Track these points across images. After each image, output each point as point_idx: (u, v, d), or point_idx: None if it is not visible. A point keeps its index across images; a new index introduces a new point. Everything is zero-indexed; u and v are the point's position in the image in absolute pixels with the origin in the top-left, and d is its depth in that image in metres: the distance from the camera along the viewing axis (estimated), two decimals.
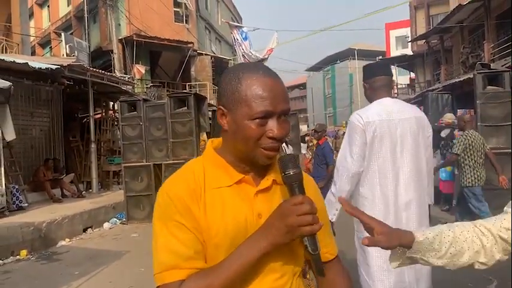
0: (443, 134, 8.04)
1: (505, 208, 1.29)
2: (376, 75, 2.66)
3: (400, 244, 1.12)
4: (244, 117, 1.02)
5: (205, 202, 1.04)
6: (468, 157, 5.73)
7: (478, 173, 5.75)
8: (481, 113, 6.79)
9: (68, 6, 23.76)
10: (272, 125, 1.02)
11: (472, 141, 5.73)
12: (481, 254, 1.21)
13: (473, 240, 1.22)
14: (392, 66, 31.64)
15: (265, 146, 1.02)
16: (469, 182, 5.76)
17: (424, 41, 22.61)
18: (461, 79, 13.26)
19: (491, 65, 9.84)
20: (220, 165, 1.09)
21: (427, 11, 25.51)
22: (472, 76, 7.31)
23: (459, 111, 11.44)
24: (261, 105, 1.00)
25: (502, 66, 10.19)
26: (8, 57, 8.64)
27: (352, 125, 2.59)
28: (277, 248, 1.00)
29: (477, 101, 6.80)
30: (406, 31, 30.49)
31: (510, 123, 6.68)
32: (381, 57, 35.94)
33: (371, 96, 2.67)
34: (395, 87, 29.73)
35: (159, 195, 1.07)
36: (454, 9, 17.16)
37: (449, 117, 8.04)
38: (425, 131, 2.63)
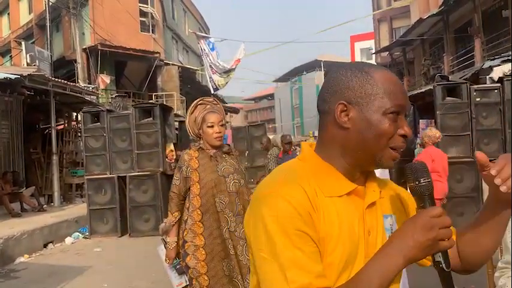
0: None
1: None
2: None
3: None
4: (377, 112, 0.94)
5: (323, 212, 0.92)
6: None
7: None
8: (440, 123, 7.00)
9: (30, 14, 23.13)
10: (403, 122, 0.96)
11: None
12: None
13: None
14: None
15: (395, 145, 0.95)
16: None
17: (387, 53, 23.28)
18: (423, 90, 13.68)
19: (450, 76, 10.19)
20: (328, 171, 0.98)
21: (390, 24, 26.31)
22: (432, 87, 7.53)
23: (421, 122, 11.81)
24: (396, 99, 0.95)
25: (461, 78, 10.58)
26: None
27: None
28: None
29: (437, 112, 7.02)
30: (370, 43, 31.32)
31: (469, 133, 6.92)
32: None
33: None
34: None
35: (271, 199, 0.91)
36: (415, 22, 17.77)
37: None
38: None
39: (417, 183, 0.91)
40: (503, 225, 1.00)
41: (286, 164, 1.03)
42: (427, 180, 0.91)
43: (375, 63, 1.03)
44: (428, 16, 16.13)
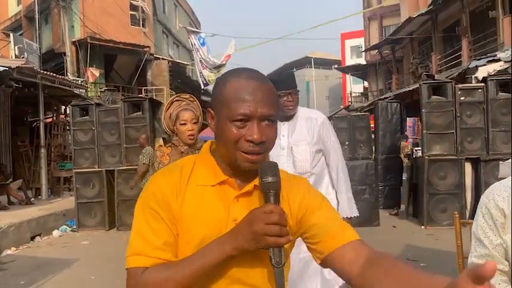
0: None
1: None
2: None
3: None
4: (225, 119, 1.02)
5: (184, 197, 1.05)
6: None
7: None
8: (426, 121, 7.12)
9: (18, 5, 22.87)
10: (251, 128, 1.01)
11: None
12: None
13: None
14: (347, 75, 32.66)
15: (243, 149, 1.02)
16: None
17: (376, 51, 23.44)
18: (411, 88, 13.85)
19: (436, 75, 10.35)
20: (209, 164, 1.10)
21: (380, 22, 26.50)
22: (419, 86, 7.65)
23: (408, 120, 11.96)
24: (240, 108, 1.00)
25: (448, 77, 10.73)
26: None
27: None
28: (244, 255, 0.99)
29: (422, 110, 7.14)
30: (360, 41, 31.48)
31: (452, 131, 7.05)
32: (336, 66, 36.87)
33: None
34: (349, 95, 30.60)
35: (145, 186, 1.11)
36: (404, 21, 17.93)
37: None
38: None
39: (263, 181, 0.99)
40: None
41: (184, 157, 1.19)
42: (270, 179, 0.98)
43: (253, 69, 1.11)
44: (418, 15, 16.30)
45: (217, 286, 1.03)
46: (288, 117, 2.73)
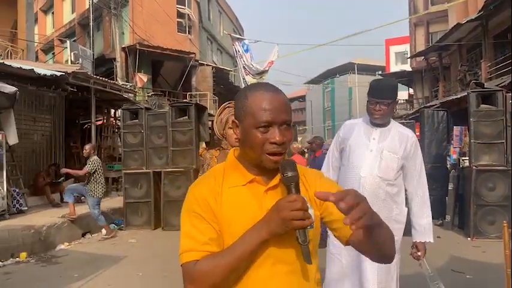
0: None
1: None
2: None
3: None
4: (250, 127, 1.22)
5: (222, 199, 1.24)
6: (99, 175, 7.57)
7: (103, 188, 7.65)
8: (474, 130, 6.94)
9: (72, 13, 24.06)
10: (273, 132, 1.20)
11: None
12: None
13: None
14: None
15: (268, 150, 1.21)
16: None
17: (423, 57, 22.89)
18: (458, 96, 13.47)
19: (485, 83, 10.02)
20: (237, 168, 1.30)
21: (426, 29, 25.85)
22: (467, 94, 7.46)
23: (455, 128, 11.62)
24: (263, 116, 1.20)
25: (498, 85, 10.39)
26: (14, 64, 8.81)
27: None
28: (276, 238, 1.16)
29: (470, 119, 6.96)
30: (405, 47, 30.82)
31: (503, 141, 6.84)
32: (380, 72, 36.28)
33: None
34: None
35: (187, 195, 1.29)
36: (452, 27, 17.43)
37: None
38: None
39: (283, 176, 1.17)
40: (371, 238, 1.18)
41: (214, 167, 1.37)
42: (290, 174, 1.16)
43: (267, 83, 1.32)
44: (467, 21, 15.80)
45: (263, 266, 1.20)
46: (380, 125, 2.73)
